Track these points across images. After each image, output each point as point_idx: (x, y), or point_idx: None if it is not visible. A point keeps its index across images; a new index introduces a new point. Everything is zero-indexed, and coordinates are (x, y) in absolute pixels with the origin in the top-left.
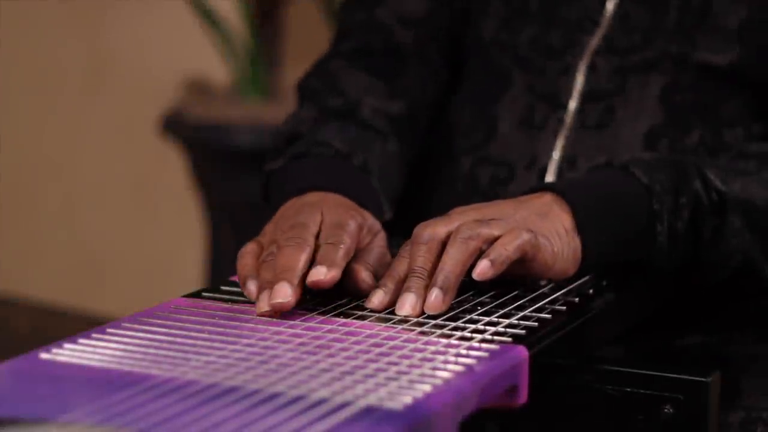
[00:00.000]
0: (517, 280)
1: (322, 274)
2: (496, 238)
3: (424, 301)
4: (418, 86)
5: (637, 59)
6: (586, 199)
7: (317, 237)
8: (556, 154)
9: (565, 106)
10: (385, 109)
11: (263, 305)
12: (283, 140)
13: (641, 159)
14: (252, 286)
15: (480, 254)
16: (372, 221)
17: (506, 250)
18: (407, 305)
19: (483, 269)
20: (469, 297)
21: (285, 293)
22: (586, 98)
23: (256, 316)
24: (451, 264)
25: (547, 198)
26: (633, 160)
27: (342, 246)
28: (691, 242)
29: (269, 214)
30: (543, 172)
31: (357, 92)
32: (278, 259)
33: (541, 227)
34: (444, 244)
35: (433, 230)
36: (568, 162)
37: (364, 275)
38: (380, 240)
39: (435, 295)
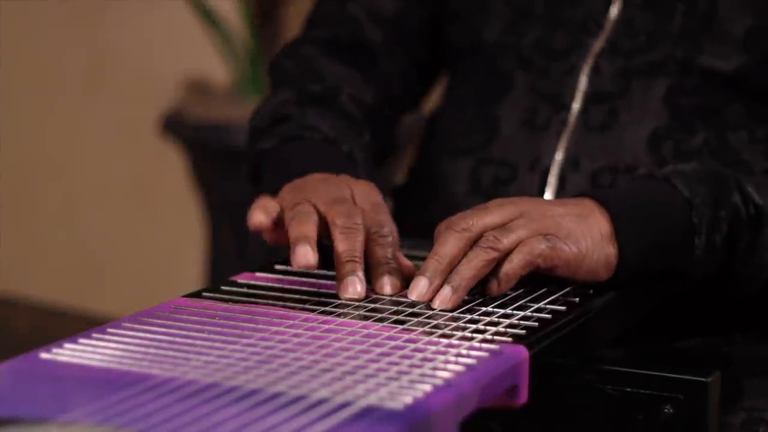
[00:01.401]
0: (526, 279)
1: (396, 289)
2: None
3: (433, 287)
4: (386, 81)
5: (641, 62)
6: (627, 207)
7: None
8: (559, 155)
9: (568, 107)
10: (360, 98)
11: (302, 259)
12: (267, 120)
13: (682, 170)
14: (259, 219)
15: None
16: (381, 196)
17: (512, 269)
18: (416, 291)
19: (490, 288)
20: (470, 297)
21: (355, 290)
22: (589, 100)
23: (295, 267)
24: (467, 268)
25: (589, 203)
26: (674, 171)
27: (391, 237)
28: (725, 255)
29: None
30: (546, 173)
31: (335, 79)
32: (339, 245)
33: (571, 229)
34: (473, 240)
35: (468, 221)
36: (571, 163)
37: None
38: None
39: (445, 292)
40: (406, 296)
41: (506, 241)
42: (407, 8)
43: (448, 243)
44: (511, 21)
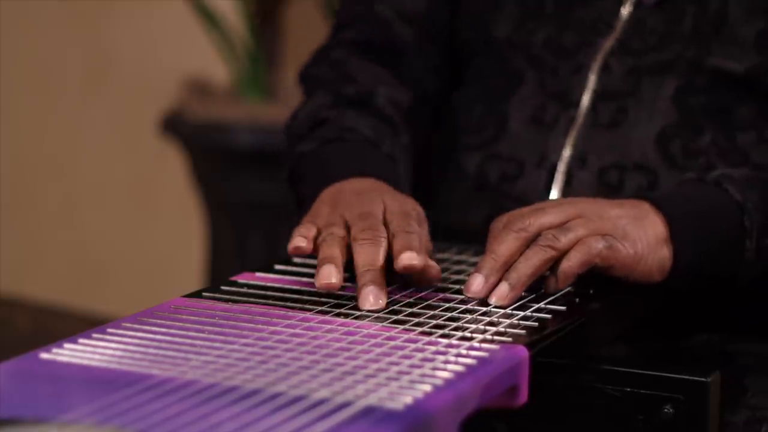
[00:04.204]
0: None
1: (414, 259)
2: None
3: (488, 285)
4: (419, 80)
5: (651, 61)
6: (681, 211)
7: (386, 225)
8: (567, 152)
9: (576, 105)
10: (396, 99)
11: (325, 279)
12: (305, 124)
13: (730, 175)
14: (302, 242)
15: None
16: (420, 209)
17: (570, 267)
18: (472, 288)
19: (548, 285)
20: (471, 297)
21: (377, 300)
22: (598, 97)
23: (317, 287)
24: (525, 266)
25: (645, 206)
26: (723, 176)
27: (416, 234)
28: None
29: (270, 212)
30: (553, 169)
31: (369, 81)
32: (358, 257)
33: (629, 230)
34: (530, 239)
35: (525, 221)
36: (578, 160)
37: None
38: (425, 229)
39: (503, 288)
40: (407, 296)
41: (564, 240)
42: (435, 6)
43: (505, 241)
44: (522, 19)
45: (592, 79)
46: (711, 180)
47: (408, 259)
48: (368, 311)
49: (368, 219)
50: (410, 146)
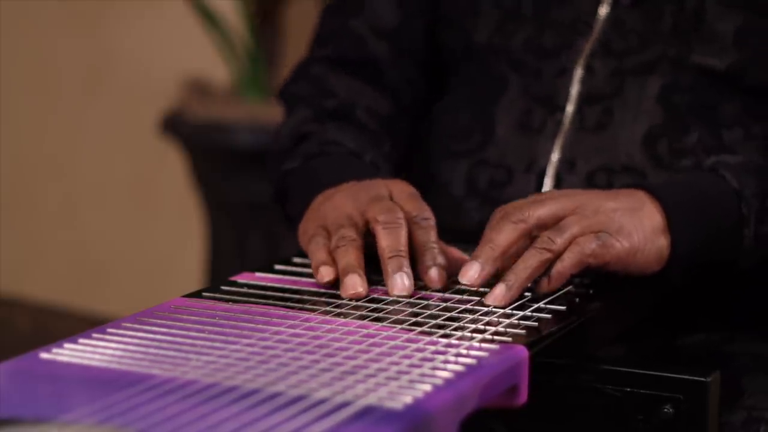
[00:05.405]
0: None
1: (471, 279)
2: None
3: (484, 274)
4: (395, 93)
5: (634, 62)
6: (678, 199)
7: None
8: (555, 157)
9: (562, 109)
10: (375, 109)
11: (351, 290)
12: (288, 141)
13: (727, 162)
14: (327, 273)
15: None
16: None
17: (564, 268)
18: (467, 275)
19: (541, 285)
20: (470, 296)
21: (404, 285)
22: (583, 100)
23: (347, 299)
24: (523, 269)
25: (641, 195)
26: (720, 163)
27: (432, 224)
28: None
29: (270, 212)
30: (542, 174)
31: (348, 94)
32: (382, 241)
33: (624, 223)
34: (528, 231)
35: (524, 212)
36: (566, 164)
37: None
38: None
39: (500, 289)
40: (408, 296)
41: (560, 242)
42: (408, 19)
43: (504, 231)
44: (500, 22)
45: (576, 82)
46: (707, 167)
47: (438, 284)
48: (398, 296)
49: (382, 201)
50: (392, 154)
